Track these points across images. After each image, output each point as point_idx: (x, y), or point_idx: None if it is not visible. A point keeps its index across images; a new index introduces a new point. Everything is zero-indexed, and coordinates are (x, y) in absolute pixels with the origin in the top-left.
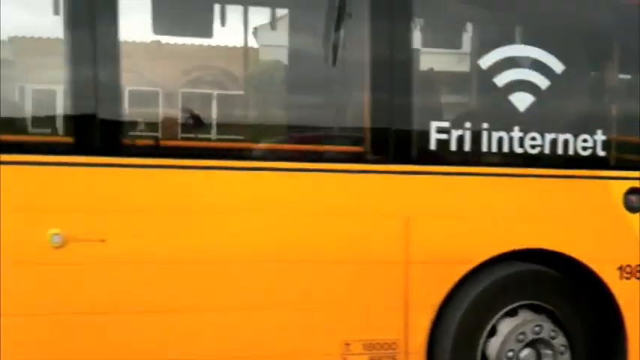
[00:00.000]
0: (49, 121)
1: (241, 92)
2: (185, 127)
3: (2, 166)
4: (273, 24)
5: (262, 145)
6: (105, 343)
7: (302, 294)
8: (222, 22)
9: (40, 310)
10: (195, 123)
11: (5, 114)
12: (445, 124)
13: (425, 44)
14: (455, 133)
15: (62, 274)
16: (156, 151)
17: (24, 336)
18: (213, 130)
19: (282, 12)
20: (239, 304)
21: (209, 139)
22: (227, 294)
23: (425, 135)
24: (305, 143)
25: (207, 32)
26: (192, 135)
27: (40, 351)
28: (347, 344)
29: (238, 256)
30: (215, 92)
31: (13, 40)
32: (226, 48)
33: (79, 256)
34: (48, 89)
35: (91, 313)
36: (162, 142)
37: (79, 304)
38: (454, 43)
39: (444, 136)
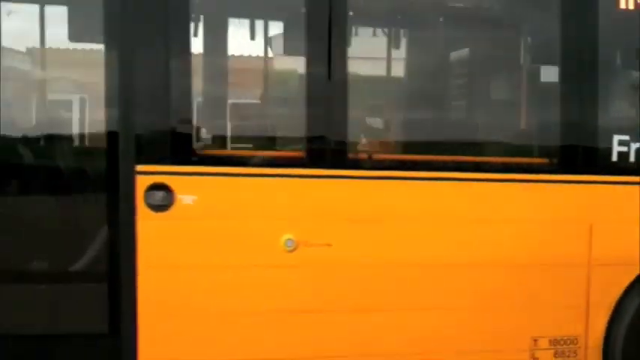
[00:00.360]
0: (284, 137)
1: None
2: (398, 143)
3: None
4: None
5: (462, 158)
6: (327, 338)
7: (496, 295)
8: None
9: (274, 307)
10: None
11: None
12: (625, 137)
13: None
14: (634, 146)
15: (294, 276)
16: (376, 164)
17: (259, 332)
18: (422, 145)
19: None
20: (443, 304)
21: (421, 153)
22: (432, 295)
23: (607, 147)
24: (494, 155)
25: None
26: (405, 149)
27: (270, 347)
28: (535, 340)
29: (441, 261)
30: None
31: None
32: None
33: (308, 259)
34: (288, 109)
35: (319, 311)
36: (381, 157)
37: (309, 303)
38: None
39: (624, 149)
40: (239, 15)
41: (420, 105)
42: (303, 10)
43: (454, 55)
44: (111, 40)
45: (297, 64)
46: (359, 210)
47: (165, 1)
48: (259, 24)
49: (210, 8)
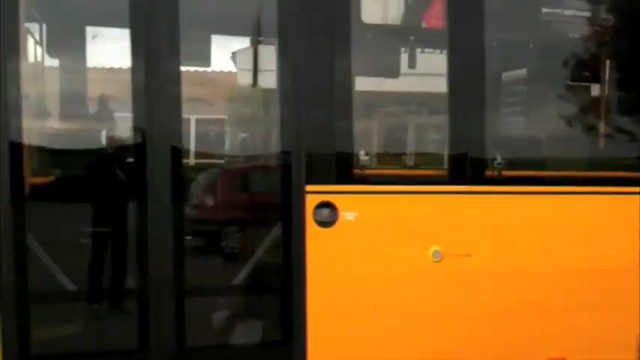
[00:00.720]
0: (429, 157)
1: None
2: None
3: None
4: None
5: (585, 173)
6: (470, 341)
7: (611, 297)
8: None
9: (424, 313)
10: None
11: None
12: None
13: None
14: None
15: (440, 284)
16: (507, 180)
17: (412, 336)
18: (549, 161)
19: None
20: (568, 306)
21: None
22: (557, 298)
23: None
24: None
25: None
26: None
27: (421, 349)
28: None
29: (564, 268)
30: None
31: None
32: None
33: (452, 268)
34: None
35: (462, 317)
36: (510, 174)
37: (456, 308)
38: None
39: None
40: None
41: (548, 124)
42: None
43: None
44: (283, 66)
45: (439, 87)
46: (493, 222)
47: (332, 30)
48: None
49: (378, 43)
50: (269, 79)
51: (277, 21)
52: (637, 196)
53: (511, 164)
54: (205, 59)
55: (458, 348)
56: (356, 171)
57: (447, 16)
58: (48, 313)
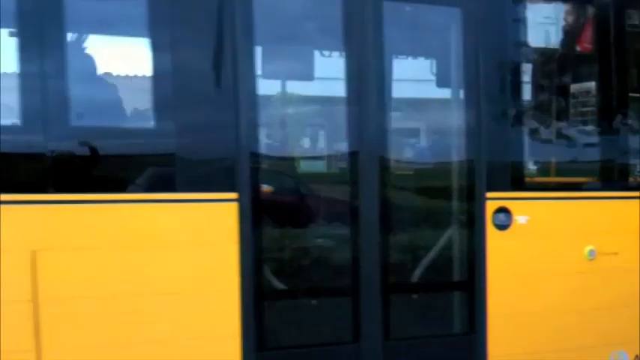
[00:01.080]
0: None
1: None
2: None
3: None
4: None
5: None
6: (620, 329)
7: None
8: None
9: (581, 305)
10: None
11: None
12: None
13: None
14: None
15: (593, 280)
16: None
17: (569, 327)
18: None
19: None
20: None
21: None
22: None
23: None
24: None
25: None
26: None
27: (574, 338)
28: None
29: None
30: None
31: None
32: None
33: (602, 266)
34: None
35: (614, 307)
36: None
37: (605, 301)
38: None
39: None
40: None
41: None
42: None
43: None
44: (469, 81)
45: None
46: (634, 223)
47: (505, 53)
48: None
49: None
50: (444, 92)
51: (463, 44)
52: None
53: None
54: None
55: (606, 334)
56: (527, 179)
57: (595, 40)
58: (275, 310)
